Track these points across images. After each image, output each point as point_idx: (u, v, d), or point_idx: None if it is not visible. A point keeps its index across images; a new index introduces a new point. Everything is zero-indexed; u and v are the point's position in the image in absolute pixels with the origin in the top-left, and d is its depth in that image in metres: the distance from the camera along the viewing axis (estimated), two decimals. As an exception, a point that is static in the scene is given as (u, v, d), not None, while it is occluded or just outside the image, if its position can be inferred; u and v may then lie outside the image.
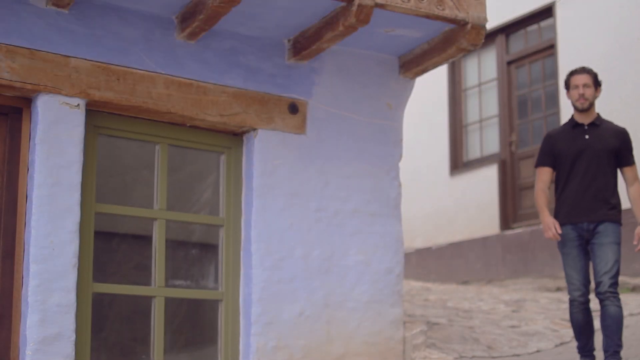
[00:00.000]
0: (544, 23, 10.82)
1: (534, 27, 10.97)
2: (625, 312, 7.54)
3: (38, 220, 4.96)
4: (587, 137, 5.65)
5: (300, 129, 5.86)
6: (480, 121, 11.50)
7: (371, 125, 6.13)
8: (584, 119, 5.69)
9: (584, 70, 5.70)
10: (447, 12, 5.61)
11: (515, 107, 11.11)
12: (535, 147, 10.77)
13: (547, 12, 10.64)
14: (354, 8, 5.30)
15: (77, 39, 5.23)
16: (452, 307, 8.50)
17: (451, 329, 7.27)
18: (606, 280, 5.52)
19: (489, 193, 10.97)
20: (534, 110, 10.93)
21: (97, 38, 5.29)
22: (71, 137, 5.11)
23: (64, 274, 4.98)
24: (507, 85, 11.15)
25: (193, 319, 6.81)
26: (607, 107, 9.54)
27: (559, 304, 8.36)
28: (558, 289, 9.30)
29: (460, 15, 5.65)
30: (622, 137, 5.68)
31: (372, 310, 5.92)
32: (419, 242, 11.70)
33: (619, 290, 5.59)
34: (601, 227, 5.59)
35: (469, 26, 5.69)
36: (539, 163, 5.78)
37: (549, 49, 10.68)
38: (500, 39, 11.22)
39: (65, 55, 5.16)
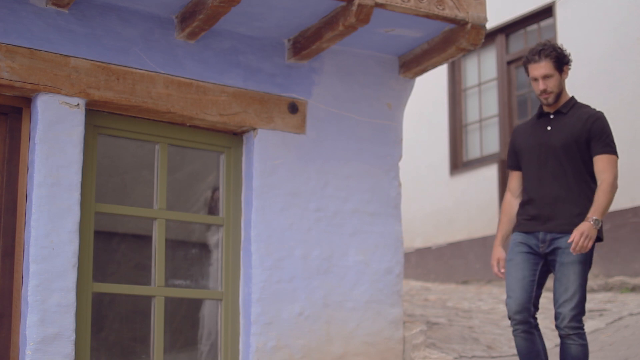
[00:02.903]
0: (543, 23, 10.81)
1: (534, 27, 10.97)
2: (625, 312, 7.55)
3: (38, 220, 4.96)
4: (549, 128, 4.68)
5: (300, 128, 5.87)
6: (480, 121, 11.50)
7: (371, 125, 6.14)
8: (551, 107, 4.71)
9: (541, 54, 4.61)
10: (447, 12, 5.61)
11: (515, 107, 11.11)
12: (535, 147, 10.76)
13: (547, 12, 10.64)
14: (354, 8, 5.30)
15: (76, 39, 5.23)
16: (451, 307, 8.50)
17: (451, 329, 7.27)
18: (566, 313, 4.42)
19: (489, 193, 10.97)
20: (533, 110, 10.92)
21: (96, 38, 5.29)
22: (71, 137, 5.11)
23: (64, 274, 4.98)
24: (507, 85, 11.15)
25: (193, 319, 6.81)
26: (607, 107, 9.56)
27: (559, 303, 8.35)
28: (558, 289, 9.29)
29: (460, 15, 5.66)
30: (590, 122, 4.59)
31: (371, 310, 5.93)
32: (419, 242, 11.70)
33: (584, 322, 4.60)
34: (563, 241, 4.51)
35: (468, 26, 5.70)
36: (507, 165, 4.91)
37: (549, 49, 10.67)
38: (500, 38, 11.22)
39: (65, 55, 5.16)
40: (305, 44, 5.76)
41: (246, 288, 5.63)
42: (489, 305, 8.61)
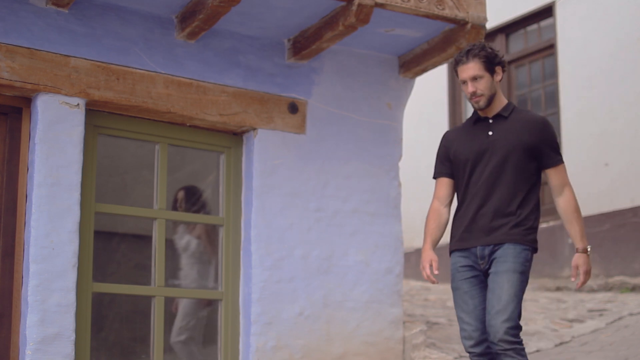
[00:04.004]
0: (543, 23, 10.81)
1: (534, 26, 10.97)
2: (625, 312, 7.54)
3: (38, 220, 4.96)
4: (490, 133, 4.25)
5: (300, 128, 5.86)
6: (480, 121, 11.50)
7: (371, 125, 6.13)
8: (489, 111, 4.29)
9: (469, 55, 4.23)
10: (447, 12, 5.60)
11: (515, 107, 11.09)
12: (535, 147, 10.74)
13: (547, 12, 10.63)
14: (354, 8, 5.30)
15: (76, 39, 5.22)
16: (451, 306, 8.49)
17: (451, 329, 7.26)
18: (498, 325, 3.98)
19: (489, 193, 10.94)
20: (533, 109, 10.92)
21: (96, 38, 5.29)
22: (71, 137, 5.10)
23: (64, 274, 4.97)
24: (507, 84, 11.15)
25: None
26: (608, 107, 9.55)
27: (559, 303, 8.36)
28: (558, 289, 9.30)
29: (460, 15, 5.65)
30: (538, 129, 4.22)
31: (371, 310, 5.92)
32: (419, 242, 11.68)
33: (522, 337, 4.12)
34: (499, 252, 4.12)
35: (468, 26, 5.69)
36: (434, 173, 4.50)
37: (549, 49, 10.68)
38: (500, 38, 11.21)
39: (65, 55, 5.16)
40: (305, 44, 5.76)
41: (246, 288, 5.63)
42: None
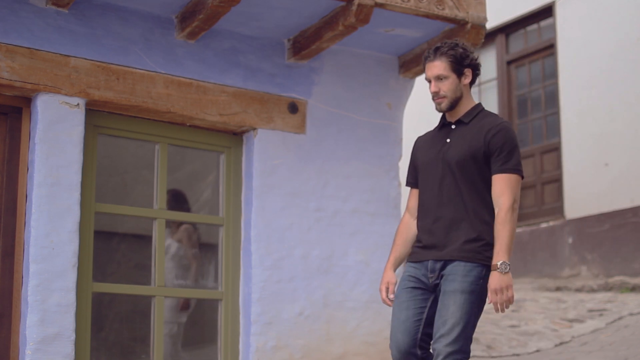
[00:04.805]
0: (543, 23, 10.82)
1: (534, 26, 10.98)
2: (625, 312, 7.55)
3: (38, 220, 4.96)
4: (448, 140, 4.00)
5: (300, 128, 5.87)
6: (480, 121, 11.50)
7: (371, 125, 6.14)
8: (453, 116, 4.04)
9: (436, 53, 3.96)
10: (447, 12, 5.61)
11: (515, 107, 11.11)
12: (534, 147, 10.77)
13: (546, 12, 10.65)
14: (354, 8, 5.30)
15: (76, 39, 5.22)
16: (451, 306, 8.49)
17: (451, 329, 7.26)
18: (440, 349, 3.72)
19: (489, 193, 10.94)
20: (533, 110, 10.94)
21: (96, 38, 5.29)
22: (71, 137, 5.10)
23: (64, 274, 4.97)
24: (506, 85, 11.15)
25: (193, 319, 6.81)
26: (608, 107, 9.56)
27: (559, 303, 8.37)
28: (558, 289, 9.31)
29: (460, 14, 5.66)
30: (490, 134, 3.89)
31: (371, 310, 5.92)
32: (419, 242, 11.69)
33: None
34: (448, 269, 3.85)
35: (468, 26, 5.70)
36: (406, 182, 4.24)
37: (549, 49, 10.69)
38: (500, 38, 11.22)
39: (65, 55, 5.16)
40: (305, 43, 5.76)
41: (246, 288, 5.63)
42: (488, 305, 8.61)
